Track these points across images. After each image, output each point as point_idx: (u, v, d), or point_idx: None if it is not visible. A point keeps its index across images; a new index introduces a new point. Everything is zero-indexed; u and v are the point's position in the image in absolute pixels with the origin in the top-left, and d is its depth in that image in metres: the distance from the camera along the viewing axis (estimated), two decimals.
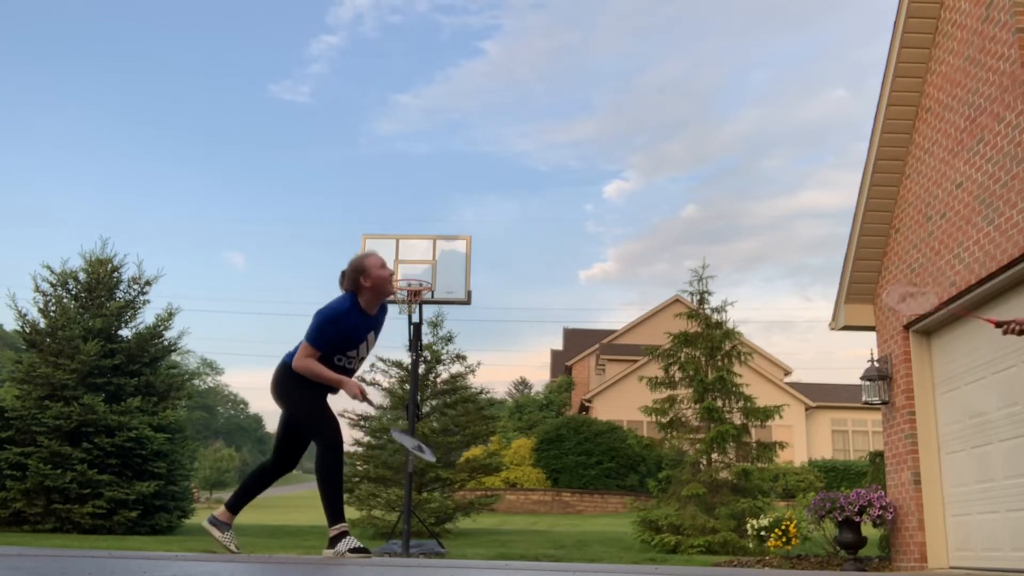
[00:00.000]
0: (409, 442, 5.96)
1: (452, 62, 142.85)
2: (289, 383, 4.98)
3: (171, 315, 16.96)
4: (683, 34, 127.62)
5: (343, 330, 4.91)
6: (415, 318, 9.79)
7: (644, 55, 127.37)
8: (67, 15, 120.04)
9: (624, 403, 32.46)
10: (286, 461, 5.21)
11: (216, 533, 5.19)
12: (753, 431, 13.94)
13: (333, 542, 4.83)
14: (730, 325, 14.09)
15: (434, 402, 17.57)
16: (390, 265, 8.76)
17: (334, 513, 4.86)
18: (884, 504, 8.14)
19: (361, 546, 4.84)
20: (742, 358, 14.06)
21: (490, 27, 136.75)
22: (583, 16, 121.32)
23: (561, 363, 48.15)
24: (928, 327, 8.04)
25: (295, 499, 48.82)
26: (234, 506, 5.24)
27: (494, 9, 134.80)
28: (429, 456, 5.95)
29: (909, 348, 8.22)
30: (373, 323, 5.06)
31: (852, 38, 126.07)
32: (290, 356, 5.01)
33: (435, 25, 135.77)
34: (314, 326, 4.88)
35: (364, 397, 4.95)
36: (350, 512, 16.32)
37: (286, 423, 5.11)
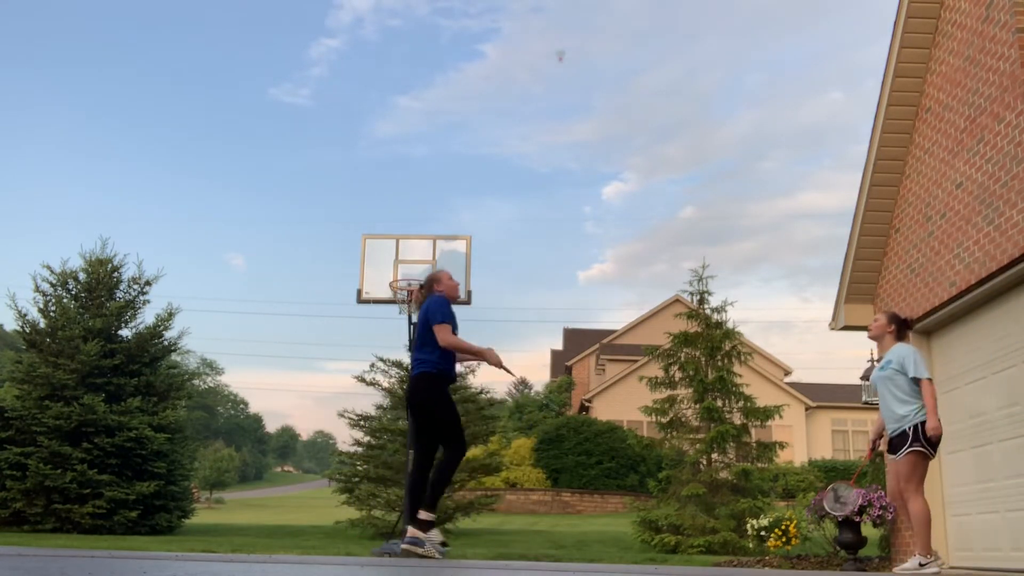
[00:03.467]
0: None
1: (452, 65, 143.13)
2: (436, 390, 5.72)
3: (171, 315, 16.97)
4: (681, 37, 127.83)
5: (451, 311, 5.86)
6: (415, 318, 9.79)
7: (642, 58, 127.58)
8: (70, 17, 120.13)
9: (624, 403, 32.46)
10: (431, 454, 5.84)
11: (423, 536, 5.58)
12: (753, 431, 13.94)
13: (426, 525, 5.52)
14: (730, 325, 14.09)
15: None
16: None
17: (434, 503, 5.59)
18: (884, 504, 8.14)
19: (443, 540, 5.65)
20: (742, 358, 14.05)
21: (489, 30, 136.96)
22: (582, 19, 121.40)
23: (561, 363, 48.15)
24: (928, 327, 8.04)
25: (295, 499, 48.81)
26: (431, 506, 5.66)
27: (493, 13, 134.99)
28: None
29: None
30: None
31: (849, 41, 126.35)
32: (431, 365, 5.71)
33: (435, 28, 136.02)
34: (438, 309, 5.76)
35: (503, 365, 5.90)
36: (350, 512, 16.33)
37: (430, 425, 5.74)
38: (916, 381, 5.77)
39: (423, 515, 5.55)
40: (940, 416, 7.99)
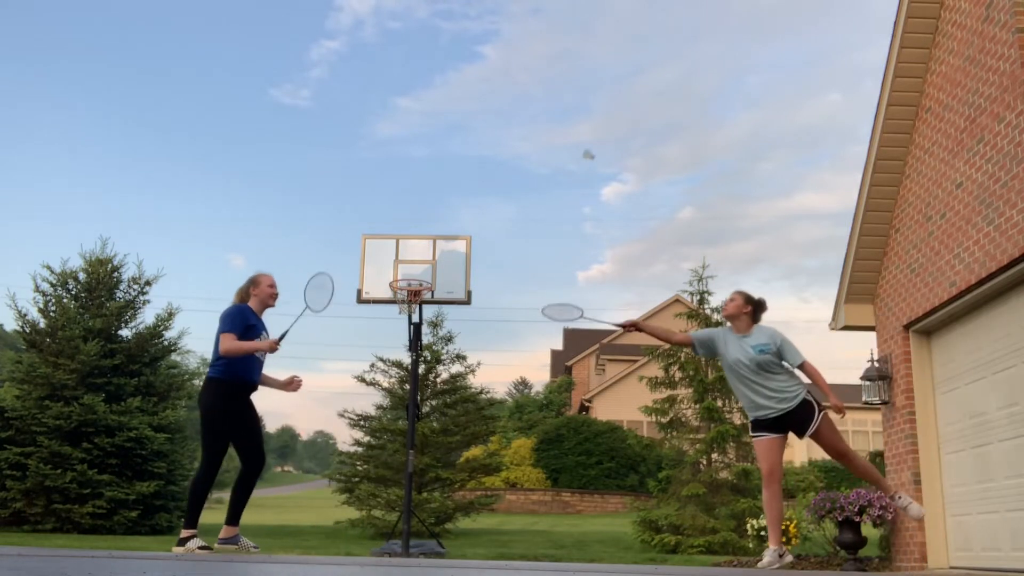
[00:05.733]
0: (560, 312, 6.84)
1: (451, 66, 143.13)
2: (215, 397, 5.85)
3: (171, 315, 16.94)
4: (680, 38, 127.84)
5: (246, 321, 5.98)
6: (415, 318, 9.78)
7: (641, 59, 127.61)
8: (72, 16, 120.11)
9: (624, 403, 32.47)
10: (254, 460, 6.02)
11: (231, 548, 5.85)
12: None
13: (183, 541, 5.79)
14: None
15: (434, 402, 17.56)
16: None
17: (191, 518, 5.84)
18: (884, 504, 8.14)
19: (206, 545, 5.79)
20: None
21: (489, 32, 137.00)
22: (581, 21, 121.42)
23: (561, 363, 48.16)
24: (928, 327, 8.04)
25: (295, 499, 48.82)
26: (189, 522, 5.88)
27: (493, 15, 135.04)
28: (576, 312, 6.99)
29: (909, 348, 8.22)
30: (263, 325, 6.22)
31: (847, 43, 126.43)
32: (213, 370, 5.88)
33: (434, 30, 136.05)
34: (223, 318, 5.94)
35: (276, 345, 5.99)
36: (350, 512, 16.35)
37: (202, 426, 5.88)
38: (800, 365, 6.06)
39: (184, 532, 5.81)
40: (940, 415, 8.06)
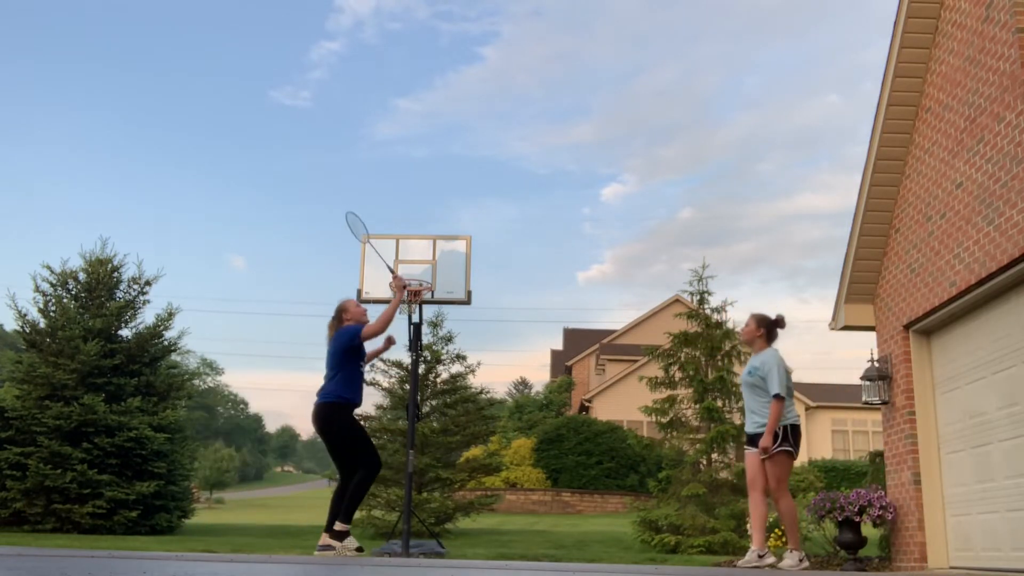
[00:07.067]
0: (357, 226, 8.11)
1: (451, 67, 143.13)
2: (336, 419, 6.32)
3: (171, 315, 16.96)
4: (680, 38, 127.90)
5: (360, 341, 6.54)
6: (415, 318, 9.77)
7: (641, 60, 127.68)
8: (72, 18, 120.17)
9: (624, 403, 32.46)
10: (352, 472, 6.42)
11: (338, 545, 6.18)
12: None
13: (341, 535, 6.12)
14: (730, 326, 14.08)
15: (434, 402, 17.56)
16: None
17: (349, 515, 6.20)
18: (884, 504, 8.14)
19: (360, 547, 6.17)
20: (742, 358, 14.04)
21: (489, 33, 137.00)
22: (581, 22, 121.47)
23: (561, 363, 48.15)
24: (928, 327, 8.04)
25: (295, 499, 48.82)
26: (346, 517, 6.28)
27: (493, 16, 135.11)
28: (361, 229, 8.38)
29: (909, 348, 8.22)
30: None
31: (845, 44, 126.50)
32: (331, 395, 6.37)
33: (434, 31, 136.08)
34: (349, 330, 6.51)
35: (401, 282, 7.28)
36: None
37: (340, 448, 6.35)
38: (774, 396, 6.39)
39: (338, 526, 6.19)
40: (940, 415, 8.07)
